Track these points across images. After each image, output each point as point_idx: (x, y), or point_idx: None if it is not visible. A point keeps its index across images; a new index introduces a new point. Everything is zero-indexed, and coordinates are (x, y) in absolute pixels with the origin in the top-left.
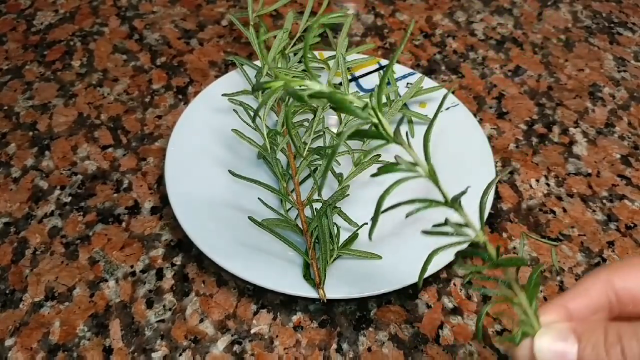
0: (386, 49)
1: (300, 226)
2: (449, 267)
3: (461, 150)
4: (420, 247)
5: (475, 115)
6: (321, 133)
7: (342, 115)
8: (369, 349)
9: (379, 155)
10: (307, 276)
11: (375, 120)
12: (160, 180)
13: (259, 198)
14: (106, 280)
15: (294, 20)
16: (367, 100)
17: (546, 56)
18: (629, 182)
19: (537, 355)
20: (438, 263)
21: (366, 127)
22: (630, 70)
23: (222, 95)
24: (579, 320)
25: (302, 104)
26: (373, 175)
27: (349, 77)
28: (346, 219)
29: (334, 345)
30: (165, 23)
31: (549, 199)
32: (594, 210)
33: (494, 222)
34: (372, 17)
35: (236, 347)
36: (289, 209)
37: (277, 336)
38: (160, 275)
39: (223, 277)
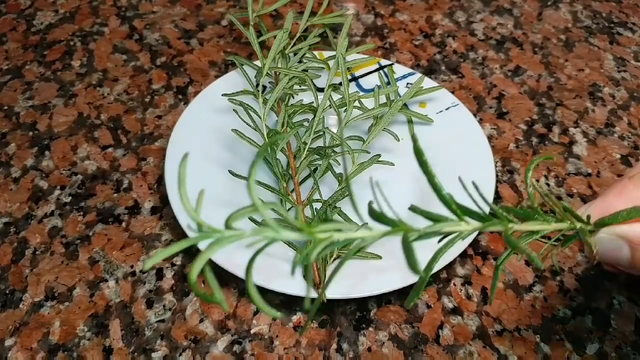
0: (386, 49)
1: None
2: (449, 267)
3: (461, 150)
4: (420, 247)
5: (475, 115)
6: (321, 133)
7: (342, 115)
8: (369, 349)
9: (379, 155)
10: (307, 276)
11: None
12: (160, 180)
13: (258, 198)
14: (106, 280)
15: (294, 20)
16: None
17: (546, 56)
18: None
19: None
20: (438, 264)
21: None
22: (630, 70)
23: (222, 95)
24: None
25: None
26: None
27: (349, 77)
28: (346, 219)
29: (334, 345)
30: (165, 23)
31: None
32: None
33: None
34: (372, 17)
35: (236, 347)
36: (289, 209)
37: (277, 336)
38: (160, 275)
39: (223, 277)
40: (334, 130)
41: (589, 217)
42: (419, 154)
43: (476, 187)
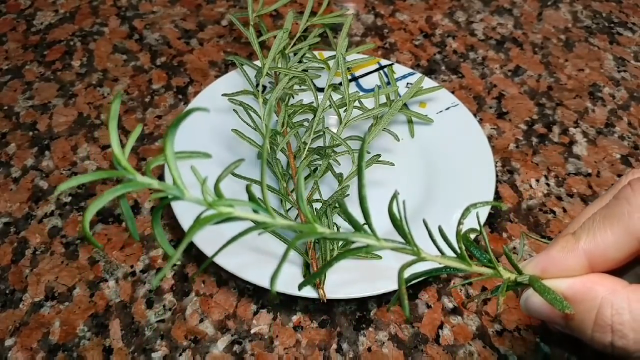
0: (386, 49)
1: None
2: (448, 267)
3: (461, 150)
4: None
5: (475, 115)
6: (321, 133)
7: (342, 115)
8: (369, 349)
9: (379, 155)
10: (307, 276)
11: None
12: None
13: (259, 198)
14: (106, 280)
15: (294, 20)
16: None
17: (546, 56)
18: None
19: (522, 307)
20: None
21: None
22: (630, 70)
23: (222, 95)
24: (580, 285)
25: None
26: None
27: (349, 77)
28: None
29: (334, 345)
30: (165, 23)
31: (549, 199)
32: None
33: (494, 222)
34: (372, 17)
35: (236, 347)
36: (289, 209)
37: (277, 336)
38: None
39: (223, 277)
40: (334, 130)
41: (518, 268)
42: (360, 172)
43: (441, 230)
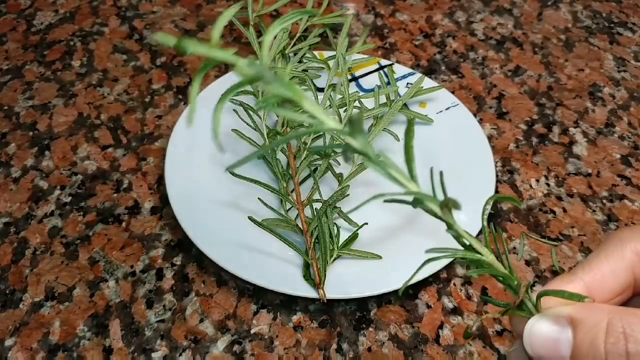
0: (386, 49)
1: (300, 226)
2: (449, 267)
3: (461, 150)
4: (420, 247)
5: (475, 115)
6: (321, 133)
7: (342, 115)
8: (369, 349)
9: (379, 156)
10: (307, 276)
11: None
12: (160, 180)
13: (259, 198)
14: (106, 280)
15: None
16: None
17: (546, 56)
18: (629, 182)
19: (525, 341)
20: (437, 264)
21: None
22: (630, 70)
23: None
24: (585, 305)
25: None
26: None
27: (349, 77)
28: (346, 219)
29: (334, 345)
30: (165, 23)
31: (549, 199)
32: (594, 211)
33: (493, 222)
34: (372, 17)
35: (236, 347)
36: (289, 209)
37: (277, 336)
38: (160, 275)
39: (223, 277)
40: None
41: (529, 285)
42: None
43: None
